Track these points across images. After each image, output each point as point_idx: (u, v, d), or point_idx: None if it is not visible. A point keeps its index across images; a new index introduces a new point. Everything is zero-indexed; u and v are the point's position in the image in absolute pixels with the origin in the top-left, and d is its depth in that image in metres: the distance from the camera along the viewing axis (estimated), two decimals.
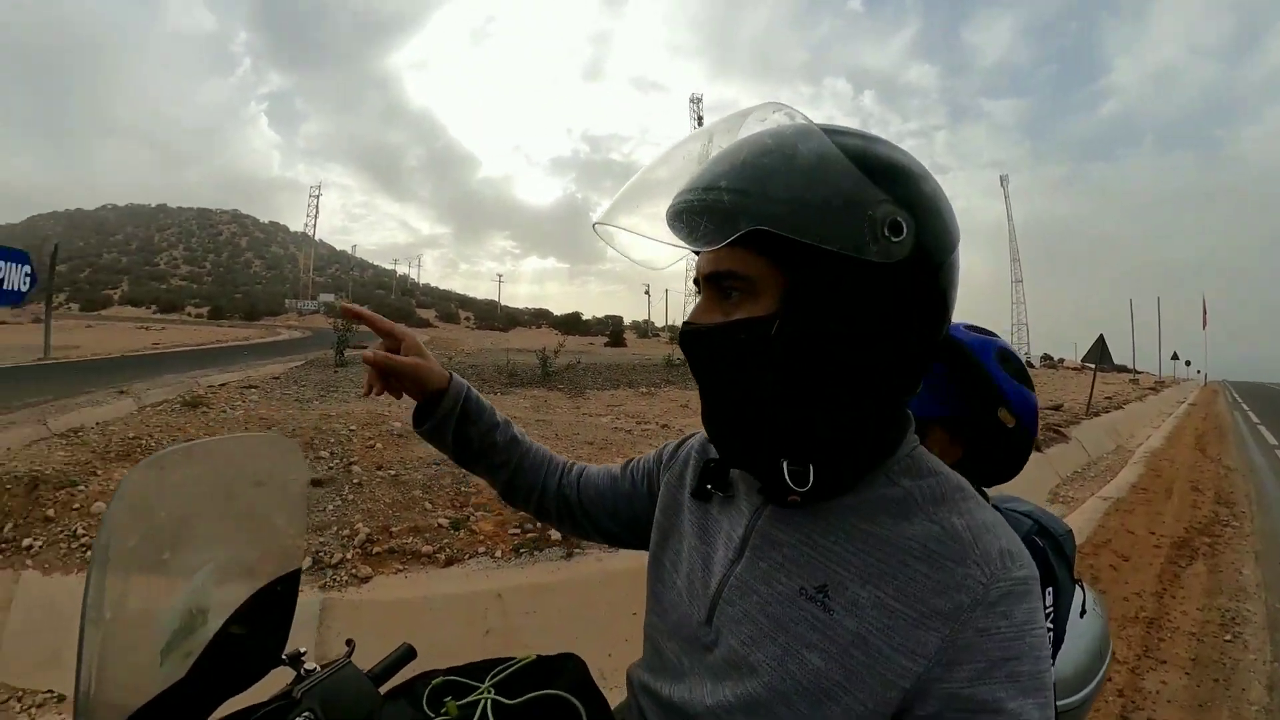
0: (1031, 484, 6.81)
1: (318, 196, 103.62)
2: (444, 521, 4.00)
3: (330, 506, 4.33)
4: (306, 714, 0.82)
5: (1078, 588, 1.38)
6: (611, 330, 54.85)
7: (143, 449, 5.78)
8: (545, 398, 11.25)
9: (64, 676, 3.23)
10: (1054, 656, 1.18)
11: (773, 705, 0.67)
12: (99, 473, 4.90)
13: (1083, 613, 1.47)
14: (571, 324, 72.64)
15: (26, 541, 3.93)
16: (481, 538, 3.82)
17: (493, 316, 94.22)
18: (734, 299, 0.68)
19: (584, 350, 25.47)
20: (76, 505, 4.33)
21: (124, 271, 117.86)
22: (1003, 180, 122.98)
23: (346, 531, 3.94)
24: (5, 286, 4.62)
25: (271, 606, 0.95)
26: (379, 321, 1.00)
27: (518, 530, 3.94)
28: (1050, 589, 1.18)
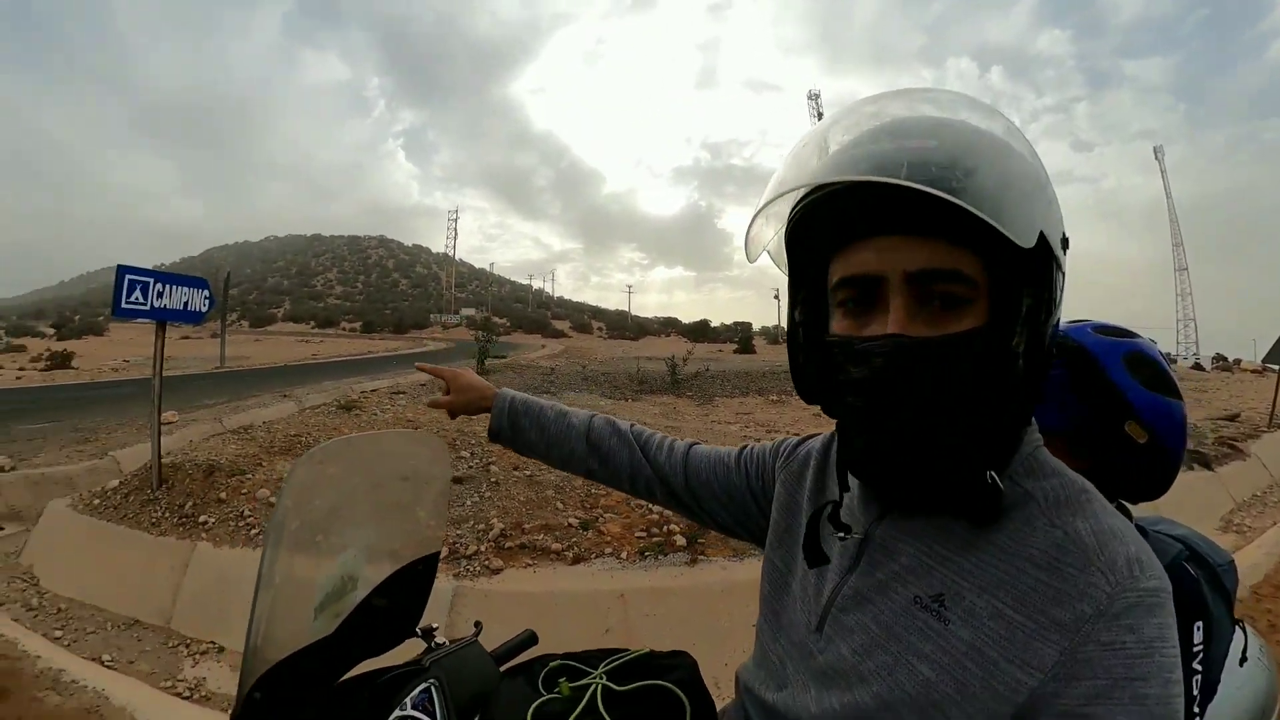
0: (1199, 508, 5.99)
1: (455, 219, 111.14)
2: (574, 521, 4.17)
3: (469, 502, 4.64)
4: (433, 681, 0.91)
5: (1239, 630, 1.20)
6: (740, 336, 53.98)
7: (302, 445, 6.55)
8: (674, 405, 11.34)
9: (225, 631, 3.87)
10: (1202, 704, 1.03)
11: (879, 716, 0.64)
12: (264, 464, 5.61)
13: (1243, 660, 1.28)
14: (699, 331, 72.99)
15: (202, 518, 4.63)
16: (609, 539, 3.95)
17: (623, 326, 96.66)
18: (945, 304, 0.62)
19: (712, 357, 25.37)
20: (244, 490, 4.99)
21: (286, 293, 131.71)
22: (1157, 153, 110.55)
23: (482, 526, 4.21)
24: (189, 308, 5.32)
25: (411, 583, 1.05)
26: (433, 370, 1.28)
27: (644, 533, 4.02)
28: (1200, 624, 1.01)
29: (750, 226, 0.72)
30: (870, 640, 0.67)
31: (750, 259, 0.75)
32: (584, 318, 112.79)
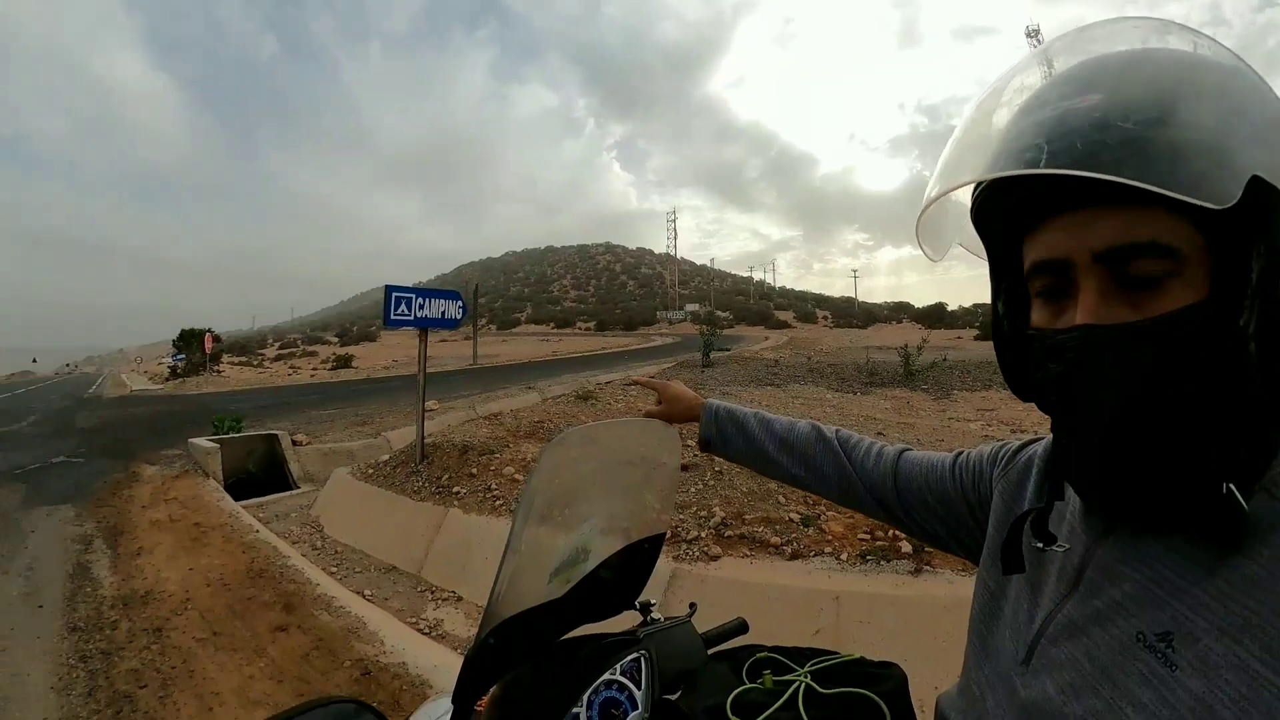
0: None
1: (673, 220, 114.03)
2: (795, 517, 4.17)
3: (693, 489, 4.87)
4: (643, 652, 1.00)
5: None
6: (980, 321, 49.32)
7: (544, 430, 7.52)
8: (907, 399, 10.69)
9: (464, 583, 4.70)
10: None
11: None
12: (510, 446, 6.58)
13: None
14: (934, 316, 67.51)
15: (455, 489, 5.67)
16: (829, 538, 3.90)
17: (850, 313, 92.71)
18: (1145, 283, 0.53)
19: (950, 345, 23.43)
20: (492, 468, 5.95)
21: (527, 299, 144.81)
22: None
23: (704, 513, 4.40)
24: (445, 316, 6.45)
25: (637, 560, 1.15)
26: (645, 383, 1.45)
27: (867, 535, 3.90)
28: None
29: (917, 232, 0.67)
30: (1080, 679, 0.57)
31: (934, 259, 0.71)
32: (808, 307, 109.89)
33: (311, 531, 6.29)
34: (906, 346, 13.70)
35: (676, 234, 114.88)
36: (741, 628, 1.27)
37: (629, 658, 0.98)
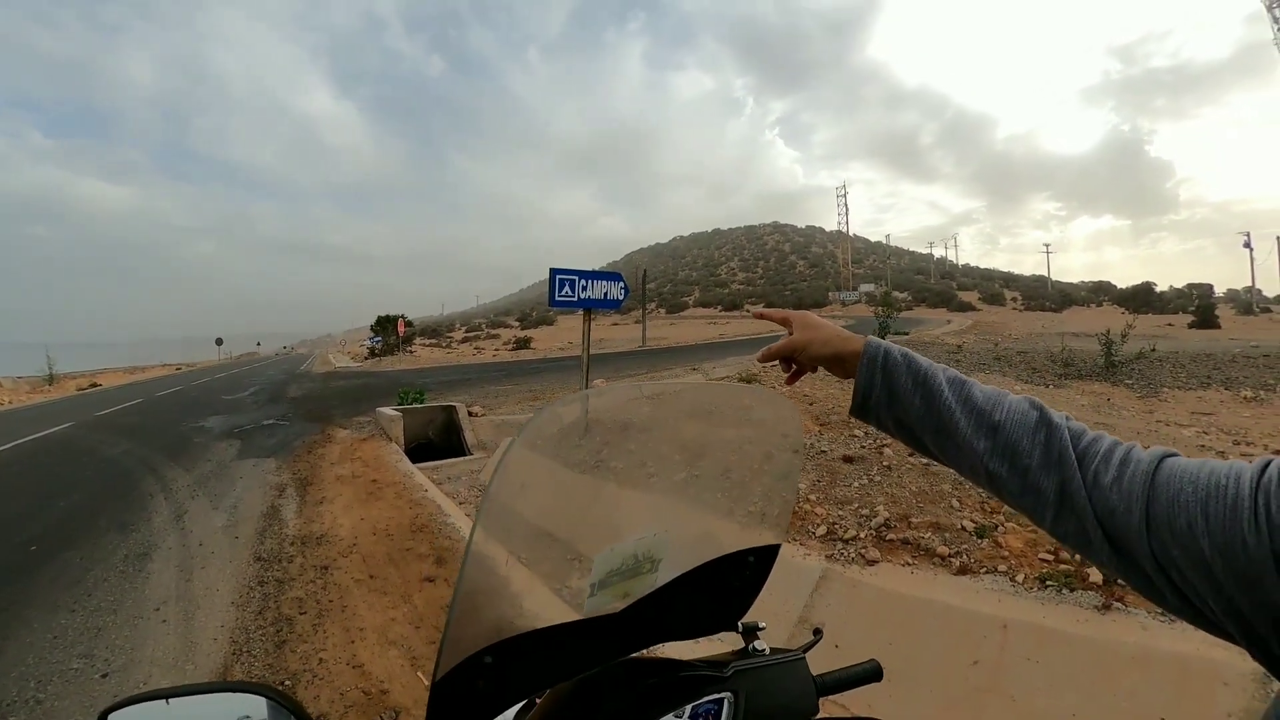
0: None
1: (844, 195, 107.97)
2: (968, 525, 3.65)
3: (856, 484, 4.45)
4: (728, 695, 0.76)
5: None
6: (1197, 305, 41.38)
7: None
8: (1108, 395, 9.37)
9: None
10: None
11: None
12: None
13: None
14: (1140, 298, 58.03)
15: (614, 463, 5.80)
16: (1005, 554, 3.33)
17: (1042, 295, 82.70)
18: None
19: (1159, 333, 20.35)
20: (650, 445, 6.04)
21: (695, 283, 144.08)
22: None
23: (866, 511, 3.99)
24: (608, 297, 6.64)
25: (739, 572, 0.91)
26: (769, 314, 1.01)
27: (1050, 556, 3.28)
28: None
29: None
30: None
31: None
32: (994, 287, 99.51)
33: (477, 495, 6.70)
34: (1108, 333, 11.93)
35: (848, 210, 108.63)
36: (873, 674, 0.94)
37: (709, 698, 0.76)
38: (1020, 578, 3.12)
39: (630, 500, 0.79)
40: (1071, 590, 2.93)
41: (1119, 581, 0.80)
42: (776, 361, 0.93)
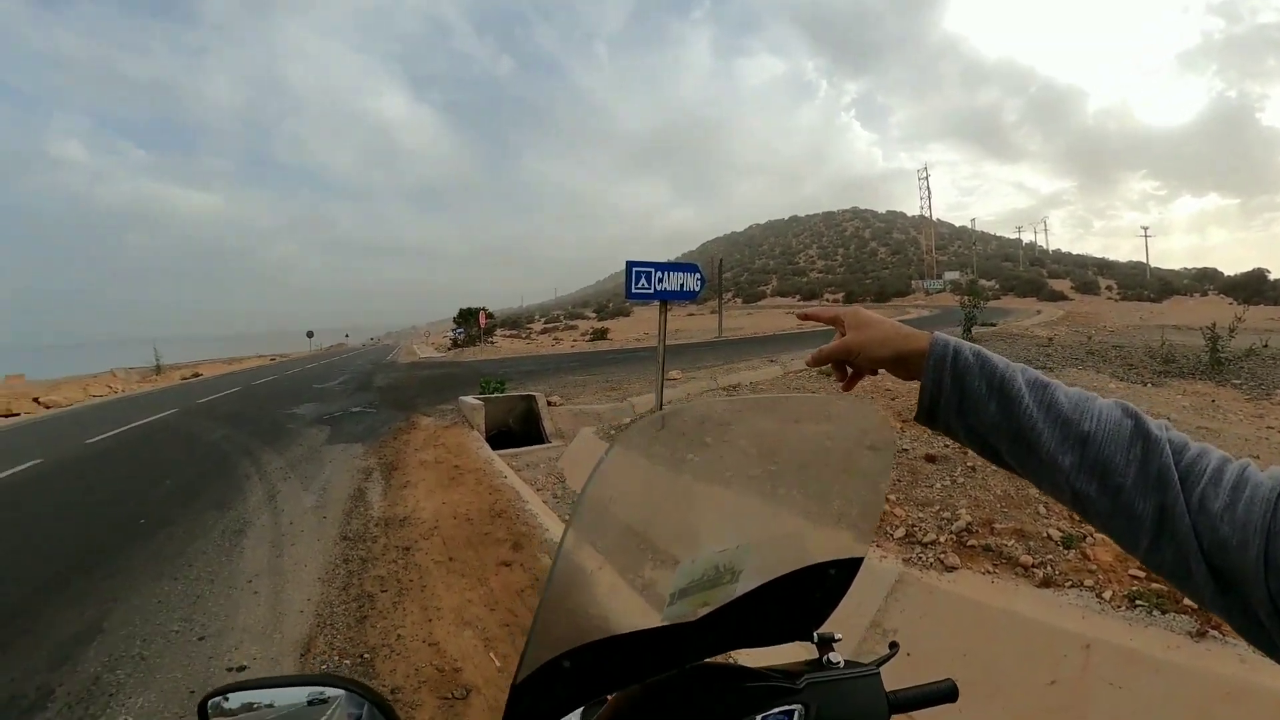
0: None
1: (925, 178, 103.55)
2: (1054, 534, 3.45)
3: (938, 485, 4.31)
4: (799, 707, 0.74)
5: None
6: None
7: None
8: (1212, 396, 8.65)
9: (684, 550, 4.85)
10: None
11: None
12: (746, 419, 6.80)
13: None
14: (1251, 287, 52.48)
15: (690, 455, 6.03)
16: (1093, 567, 3.13)
17: (1139, 283, 77.11)
18: None
19: (1273, 326, 18.65)
20: (726, 439, 6.11)
21: (772, 272, 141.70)
22: None
23: (947, 514, 3.85)
24: (684, 288, 6.72)
25: (819, 583, 0.89)
26: (816, 314, 0.93)
27: (1141, 573, 3.04)
28: None
29: None
30: None
31: None
32: (1087, 274, 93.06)
33: (555, 482, 6.89)
34: (1213, 327, 10.93)
35: (930, 193, 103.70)
36: (949, 694, 0.90)
37: (779, 709, 0.74)
38: (1108, 594, 2.91)
39: (714, 511, 0.78)
40: (1164, 612, 2.70)
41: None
42: (829, 365, 0.85)
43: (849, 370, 0.85)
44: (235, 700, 0.67)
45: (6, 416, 17.24)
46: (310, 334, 67.80)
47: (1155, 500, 0.58)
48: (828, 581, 0.89)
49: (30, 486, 7.89)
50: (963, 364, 0.72)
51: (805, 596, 0.89)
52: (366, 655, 3.36)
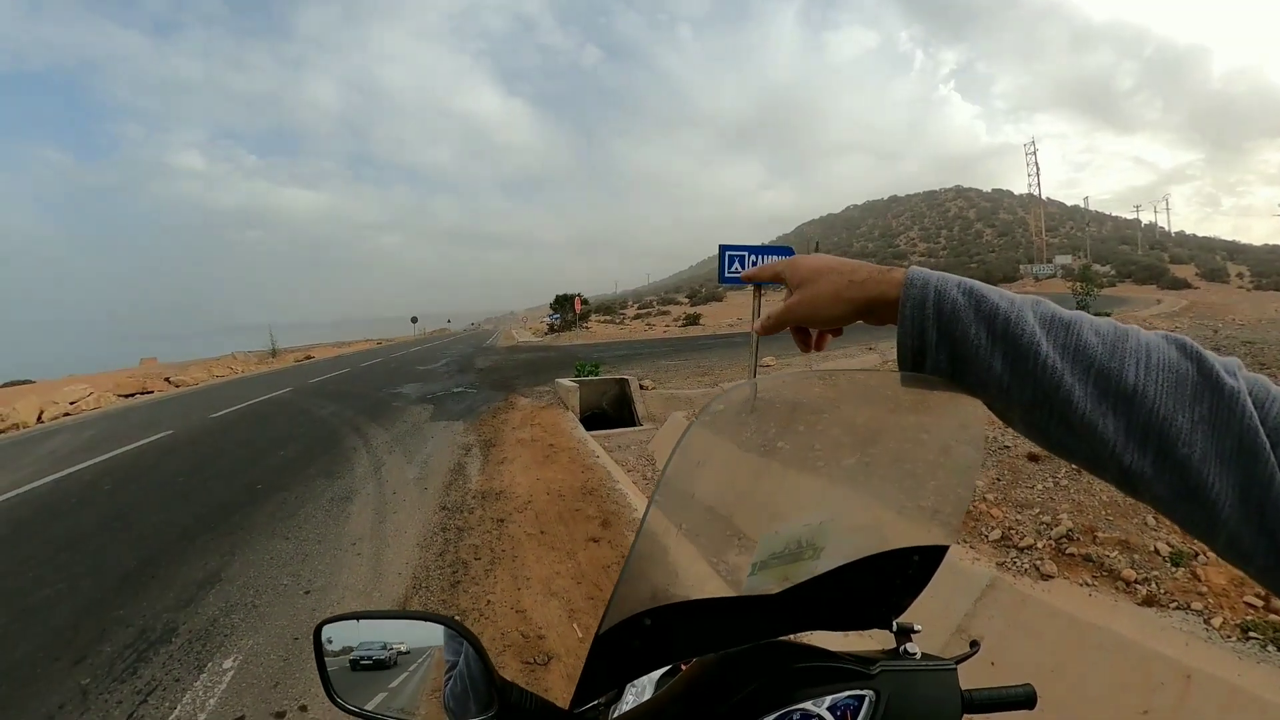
0: None
1: (1034, 153, 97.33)
2: (1163, 549, 3.18)
3: (1039, 487, 4.10)
4: (870, 694, 0.74)
5: None
6: None
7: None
8: None
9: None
10: None
11: None
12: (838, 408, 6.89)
13: None
14: None
15: (779, 443, 6.26)
16: (1203, 589, 2.86)
17: (1277, 270, 70.32)
18: None
19: None
20: (819, 427, 6.23)
21: (871, 255, 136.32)
22: None
23: (1047, 519, 3.67)
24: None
25: (901, 570, 0.87)
26: (759, 273, 0.76)
27: (1259, 601, 2.73)
28: None
29: None
30: None
31: None
32: (1215, 259, 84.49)
33: (645, 463, 7.07)
34: None
35: (1038, 169, 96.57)
36: (1027, 700, 0.85)
37: (848, 693, 0.73)
38: (1217, 621, 2.65)
39: (798, 485, 0.77)
40: None
41: None
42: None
43: (813, 333, 0.72)
44: (347, 628, 0.75)
45: (143, 394, 19.19)
46: (414, 319, 70.86)
47: (1237, 477, 0.43)
48: (910, 568, 0.88)
49: (162, 454, 8.75)
50: (950, 308, 0.54)
51: (887, 582, 0.88)
52: (457, 617, 3.55)
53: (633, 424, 9.69)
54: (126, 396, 18.62)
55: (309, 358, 34.04)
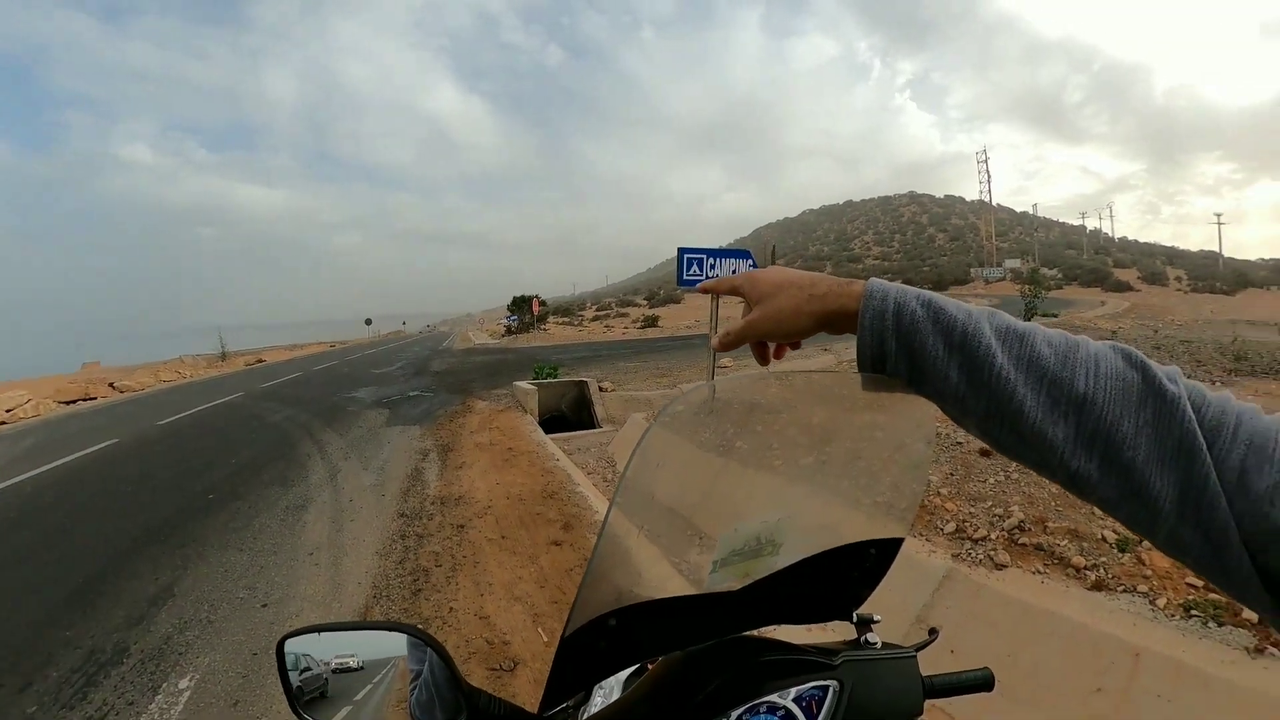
0: None
1: (984, 161, 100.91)
2: (1110, 536, 3.34)
3: (991, 480, 4.23)
4: (834, 684, 0.75)
5: None
6: None
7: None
8: None
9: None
10: None
11: None
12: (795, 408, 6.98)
13: None
14: None
15: (738, 443, 6.50)
16: (1148, 573, 3.02)
17: (1212, 274, 73.89)
18: None
19: None
20: (776, 427, 6.46)
21: (827, 259, 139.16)
22: None
23: (1000, 511, 3.78)
24: (736, 275, 6.35)
25: (858, 563, 0.89)
26: (717, 286, 0.77)
27: (1199, 582, 2.88)
28: None
29: None
30: None
31: None
32: (1155, 264, 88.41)
33: (605, 466, 7.04)
34: None
35: (990, 177, 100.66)
36: (985, 683, 0.89)
37: (812, 684, 0.74)
38: (1162, 602, 2.81)
39: (756, 483, 0.78)
40: (1220, 625, 2.57)
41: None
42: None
43: (771, 345, 0.72)
44: (309, 642, 0.74)
45: (86, 400, 18.39)
46: (368, 321, 69.53)
47: (1176, 476, 0.46)
48: (868, 561, 0.90)
49: (108, 463, 8.41)
50: (908, 320, 0.56)
51: (845, 575, 0.90)
52: (420, 626, 3.50)
53: (592, 426, 9.67)
54: (68, 403, 17.83)
55: (260, 361, 33.12)
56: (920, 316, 0.56)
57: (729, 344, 0.71)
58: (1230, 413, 0.47)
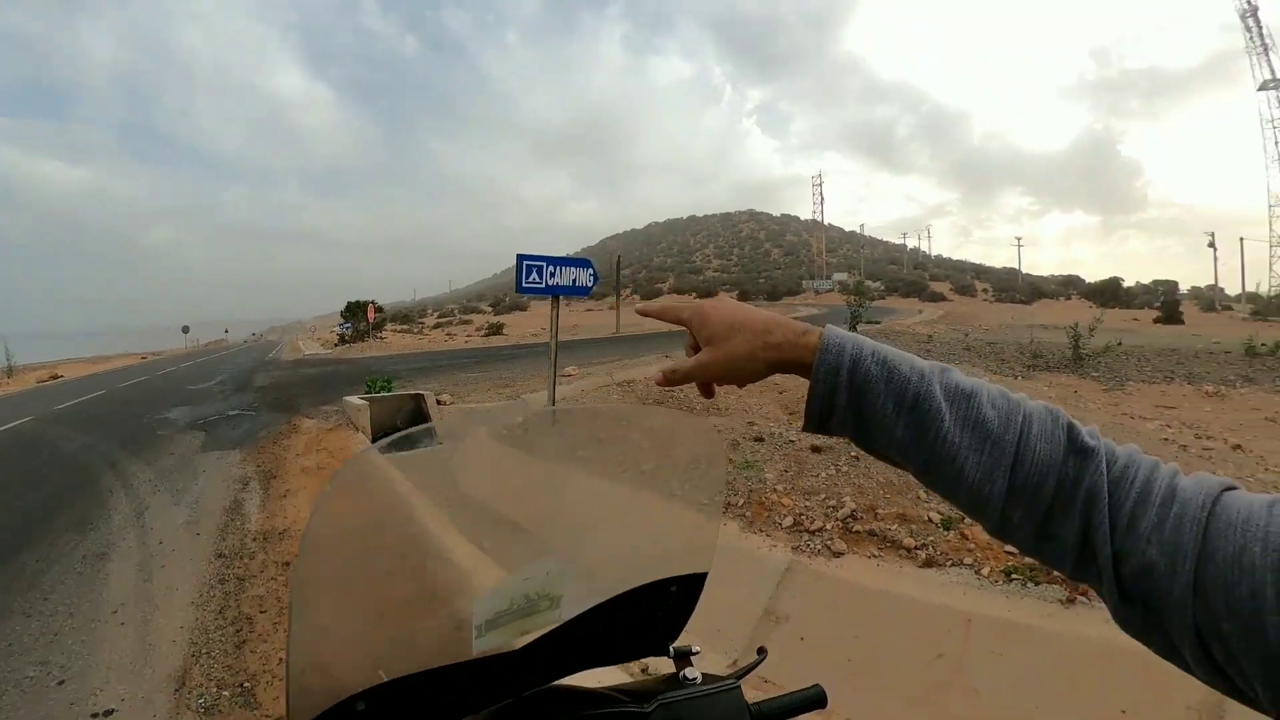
0: None
1: (819, 184, 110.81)
2: (935, 517, 3.66)
3: (823, 474, 4.44)
4: None
5: None
6: (1163, 301, 43.67)
7: (675, 402, 7.15)
8: (1075, 387, 9.55)
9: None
10: None
11: None
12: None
13: None
14: (1108, 293, 60.64)
15: (583, 453, 6.24)
16: (971, 546, 3.34)
17: (1012, 287, 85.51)
18: None
19: (1125, 328, 20.64)
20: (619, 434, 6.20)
21: (669, 269, 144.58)
22: None
23: (833, 502, 3.98)
24: (576, 284, 6.68)
25: (661, 602, 0.85)
26: (662, 314, 0.74)
27: (1015, 551, 3.28)
28: None
29: None
30: None
31: None
32: (966, 278, 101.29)
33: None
34: (1075, 327, 12.18)
35: (823, 199, 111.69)
36: (815, 700, 0.85)
37: None
38: (985, 571, 3.13)
39: (520, 532, 0.74)
40: (1036, 584, 2.95)
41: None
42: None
43: (705, 392, 0.71)
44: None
45: None
46: (186, 329, 62.66)
47: (1079, 521, 0.51)
48: (670, 599, 0.86)
49: None
50: (862, 378, 0.56)
51: (649, 615, 0.85)
52: (247, 684, 3.13)
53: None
54: None
55: (56, 377, 28.66)
56: (875, 375, 0.57)
57: (676, 381, 0.68)
58: (1134, 465, 0.52)
